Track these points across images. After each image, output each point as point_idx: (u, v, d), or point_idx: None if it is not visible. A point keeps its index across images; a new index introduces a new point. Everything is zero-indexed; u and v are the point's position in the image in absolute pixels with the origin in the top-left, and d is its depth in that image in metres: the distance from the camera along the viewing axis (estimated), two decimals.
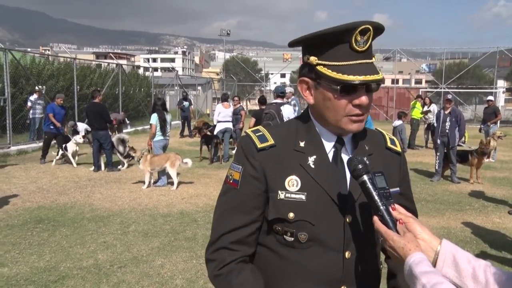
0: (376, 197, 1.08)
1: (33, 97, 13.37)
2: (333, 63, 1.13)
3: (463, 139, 12.20)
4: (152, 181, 8.24)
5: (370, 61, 1.16)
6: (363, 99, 1.13)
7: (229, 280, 1.18)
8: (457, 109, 9.54)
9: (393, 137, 1.37)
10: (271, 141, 1.23)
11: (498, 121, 13.42)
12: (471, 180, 8.96)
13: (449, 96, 9.26)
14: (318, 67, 1.15)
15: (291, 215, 1.17)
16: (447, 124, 8.88)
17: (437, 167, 9.24)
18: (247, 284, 1.17)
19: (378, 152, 1.28)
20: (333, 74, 1.12)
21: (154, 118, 8.43)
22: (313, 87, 1.20)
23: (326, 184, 1.18)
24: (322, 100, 1.18)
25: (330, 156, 1.23)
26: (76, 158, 10.30)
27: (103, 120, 9.68)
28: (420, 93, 20.46)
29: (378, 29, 1.14)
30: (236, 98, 13.29)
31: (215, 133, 11.11)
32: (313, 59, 1.16)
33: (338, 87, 1.12)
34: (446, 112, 8.99)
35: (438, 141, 9.04)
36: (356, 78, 1.10)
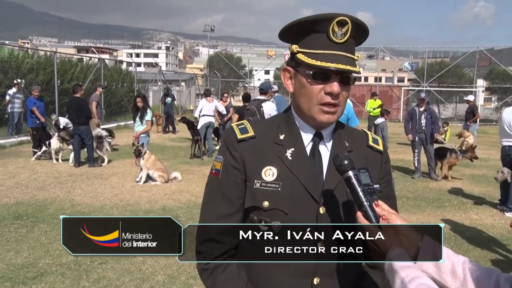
0: (361, 193, 1.09)
1: (12, 90, 13.07)
2: (311, 51, 1.18)
3: (444, 135, 12.42)
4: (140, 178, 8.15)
5: (350, 55, 1.18)
6: (335, 87, 1.16)
7: (214, 276, 1.21)
8: (431, 107, 9.86)
9: (376, 137, 1.39)
10: (251, 133, 1.27)
11: (478, 120, 13.67)
12: (449, 178, 9.08)
13: (423, 95, 9.53)
14: (298, 55, 1.20)
15: (266, 203, 1.20)
16: (423, 121, 9.14)
17: (416, 164, 9.37)
18: (231, 280, 1.20)
19: (359, 149, 1.31)
20: (309, 60, 1.17)
21: (150, 115, 8.92)
22: (293, 75, 1.25)
23: (302, 176, 1.21)
24: (299, 87, 1.23)
25: (308, 149, 1.26)
26: (60, 154, 10.14)
27: (84, 115, 9.57)
28: (376, 92, 19.87)
29: (359, 26, 1.17)
30: (226, 95, 13.43)
31: (198, 127, 11.10)
32: (294, 47, 1.22)
33: (311, 72, 1.17)
34: (421, 109, 9.27)
35: (416, 138, 9.21)
36: (328, 65, 1.14)
